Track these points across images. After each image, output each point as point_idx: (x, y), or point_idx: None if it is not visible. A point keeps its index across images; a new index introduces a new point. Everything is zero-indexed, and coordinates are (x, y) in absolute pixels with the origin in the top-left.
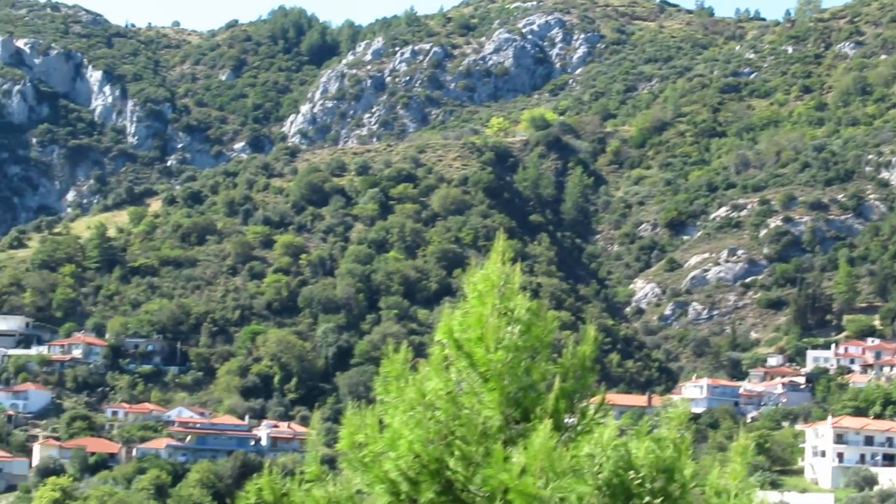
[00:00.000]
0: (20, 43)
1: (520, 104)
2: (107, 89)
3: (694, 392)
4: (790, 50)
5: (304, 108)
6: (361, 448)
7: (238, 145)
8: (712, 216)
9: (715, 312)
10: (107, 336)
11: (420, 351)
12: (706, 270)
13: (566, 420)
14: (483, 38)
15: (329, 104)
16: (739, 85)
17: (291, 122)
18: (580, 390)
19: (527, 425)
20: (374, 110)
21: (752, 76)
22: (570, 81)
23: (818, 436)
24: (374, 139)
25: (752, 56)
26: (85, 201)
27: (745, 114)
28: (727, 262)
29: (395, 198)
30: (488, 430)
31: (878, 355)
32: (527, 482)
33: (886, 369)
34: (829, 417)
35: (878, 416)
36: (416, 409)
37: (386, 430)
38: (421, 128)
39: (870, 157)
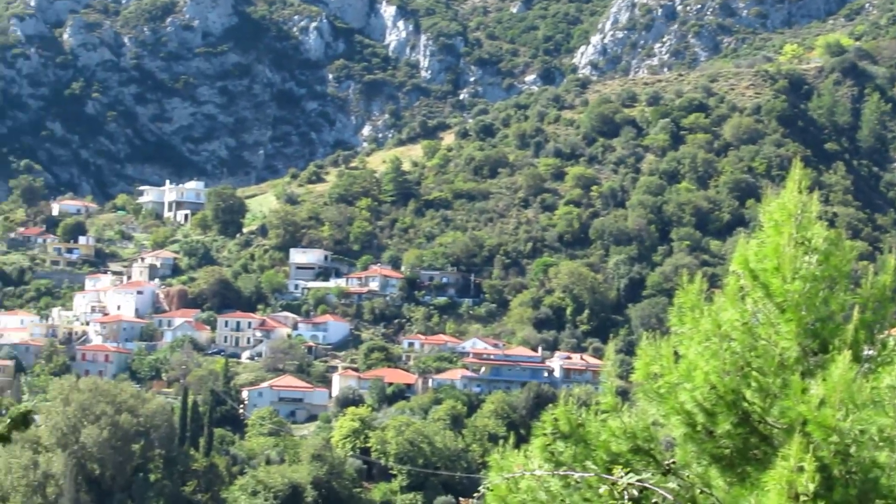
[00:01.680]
0: None
1: (814, 30)
2: (400, 24)
3: None
4: None
5: (595, 39)
6: (657, 379)
7: (529, 77)
8: None
9: None
10: (402, 268)
11: (713, 282)
12: None
13: (865, 351)
14: None
15: (619, 34)
16: None
17: (582, 54)
18: (880, 321)
19: (825, 357)
20: (664, 40)
21: None
22: (867, 5)
23: None
24: (665, 69)
25: None
26: (380, 136)
27: None
28: None
29: (686, 128)
30: (785, 361)
31: None
32: (825, 414)
33: None
34: None
35: None
36: (711, 340)
37: (681, 361)
38: (712, 56)
39: None
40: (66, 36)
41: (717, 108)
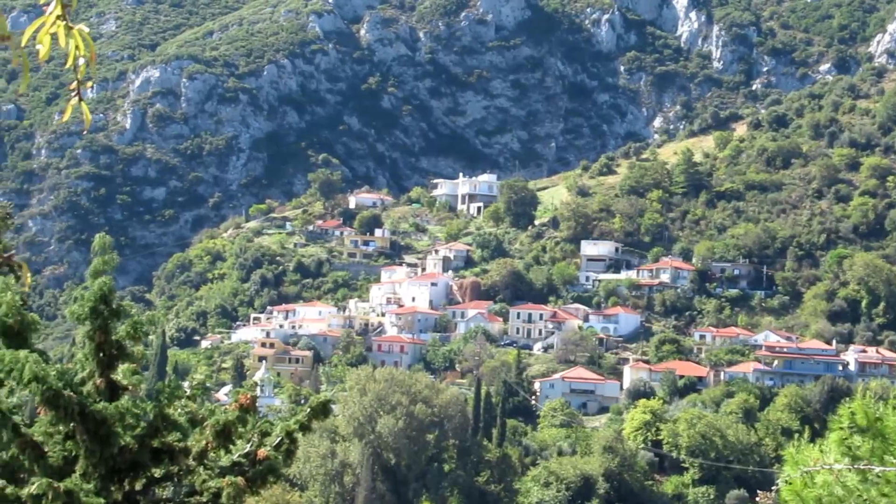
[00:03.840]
0: None
1: None
2: (692, 15)
3: None
4: None
5: (892, 27)
6: None
7: (823, 67)
8: None
9: None
10: (693, 260)
11: None
12: None
13: None
14: None
15: None
16: None
17: (878, 42)
18: None
19: None
20: None
21: None
22: None
23: None
24: None
25: None
26: (671, 127)
27: None
28: None
29: None
30: None
31: None
32: None
33: None
34: None
35: None
36: None
37: None
38: None
39: None
40: (362, 32)
41: None
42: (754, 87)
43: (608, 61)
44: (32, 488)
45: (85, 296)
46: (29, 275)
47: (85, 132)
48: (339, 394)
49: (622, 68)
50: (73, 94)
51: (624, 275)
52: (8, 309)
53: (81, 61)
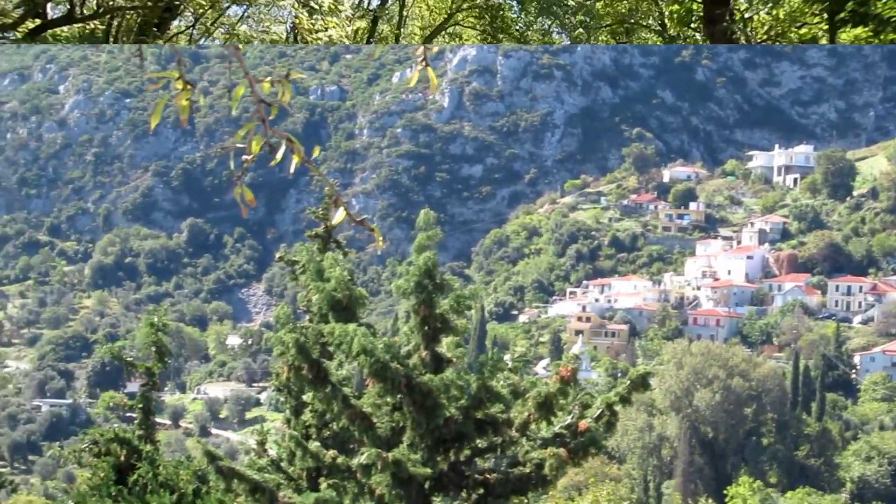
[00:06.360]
0: None
1: None
2: None
3: None
4: None
5: None
6: None
7: None
8: None
9: None
10: None
11: None
12: None
13: None
14: None
15: None
16: None
17: None
18: None
19: None
20: None
21: None
22: None
23: None
24: None
25: None
26: None
27: None
28: None
29: None
30: None
31: None
32: None
33: None
34: None
35: None
36: None
37: None
38: None
39: None
40: None
41: None
42: None
43: None
44: (362, 458)
45: (410, 270)
46: (380, 237)
47: (431, 97)
48: (656, 367)
49: None
50: (419, 59)
51: None
52: (337, 284)
53: None
